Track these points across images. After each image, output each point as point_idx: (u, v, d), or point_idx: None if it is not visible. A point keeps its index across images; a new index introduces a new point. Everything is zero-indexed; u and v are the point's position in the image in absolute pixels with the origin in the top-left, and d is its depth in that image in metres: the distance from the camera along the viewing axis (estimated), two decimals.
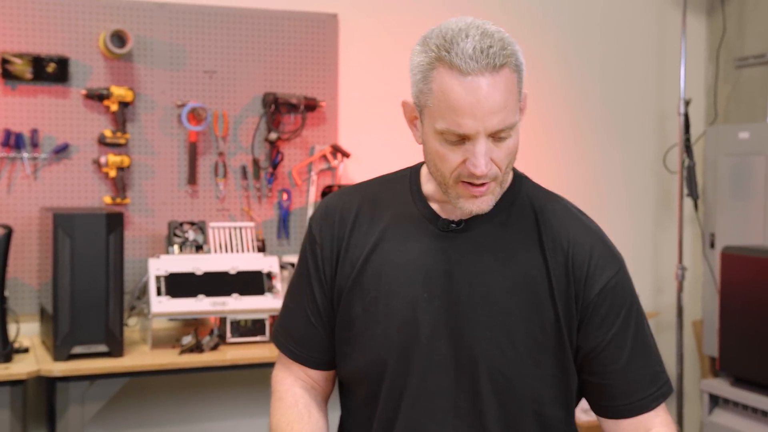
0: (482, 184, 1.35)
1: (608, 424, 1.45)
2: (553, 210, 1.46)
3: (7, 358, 2.84)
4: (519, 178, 1.50)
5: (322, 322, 1.51)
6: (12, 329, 2.93)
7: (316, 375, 1.56)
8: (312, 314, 1.51)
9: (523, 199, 1.47)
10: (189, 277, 3.09)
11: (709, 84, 4.26)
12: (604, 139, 4.14)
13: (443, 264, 1.41)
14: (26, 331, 3.16)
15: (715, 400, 3.63)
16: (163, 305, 3.03)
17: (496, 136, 1.32)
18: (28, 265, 3.27)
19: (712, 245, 3.92)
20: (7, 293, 2.92)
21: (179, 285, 3.07)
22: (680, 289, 3.85)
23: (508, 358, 1.38)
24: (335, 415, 1.62)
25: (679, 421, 3.82)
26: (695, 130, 4.06)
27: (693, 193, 3.85)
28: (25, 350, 2.98)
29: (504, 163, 1.35)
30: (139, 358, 2.97)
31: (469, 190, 1.35)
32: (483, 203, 1.36)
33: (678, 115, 3.88)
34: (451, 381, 1.40)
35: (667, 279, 4.15)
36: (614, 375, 1.41)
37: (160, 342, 3.12)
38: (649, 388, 1.42)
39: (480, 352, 1.38)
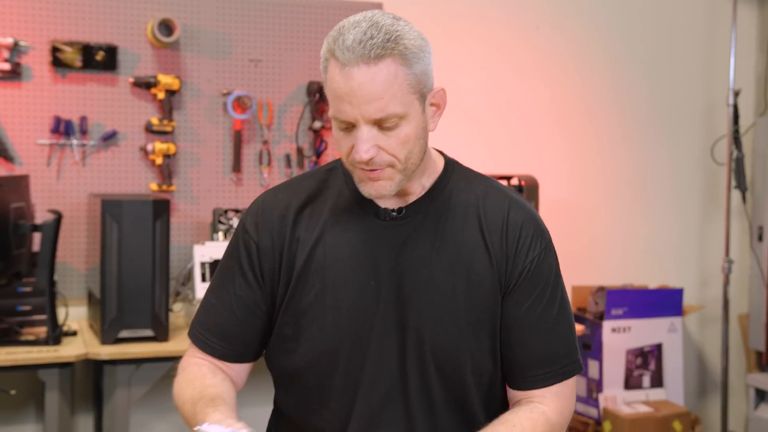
0: (374, 170, 1.40)
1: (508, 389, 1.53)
2: (486, 191, 1.52)
3: (56, 341, 2.90)
4: (450, 164, 1.55)
5: (251, 317, 1.52)
6: (61, 313, 2.99)
7: (231, 369, 1.55)
8: (239, 309, 1.52)
9: (458, 182, 1.52)
10: None
11: (760, 74, 4.19)
12: (651, 130, 4.10)
13: (386, 251, 1.46)
14: (75, 315, 3.22)
15: (762, 395, 3.59)
16: None
17: (381, 125, 1.37)
18: (77, 250, 3.33)
19: (760, 238, 3.87)
20: (56, 277, 2.98)
21: None
22: (727, 283, 3.81)
23: (451, 335, 1.45)
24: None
25: (724, 415, 3.78)
26: (744, 122, 4.01)
27: (741, 186, 3.81)
28: (74, 333, 3.04)
29: (399, 151, 1.39)
30: (184, 343, 2.99)
31: (365, 173, 1.41)
32: (381, 188, 1.41)
33: (727, 106, 3.83)
34: (401, 363, 1.46)
35: (713, 272, 4.11)
36: (518, 349, 1.48)
37: None
38: (544, 366, 1.48)
39: (425, 333, 1.45)
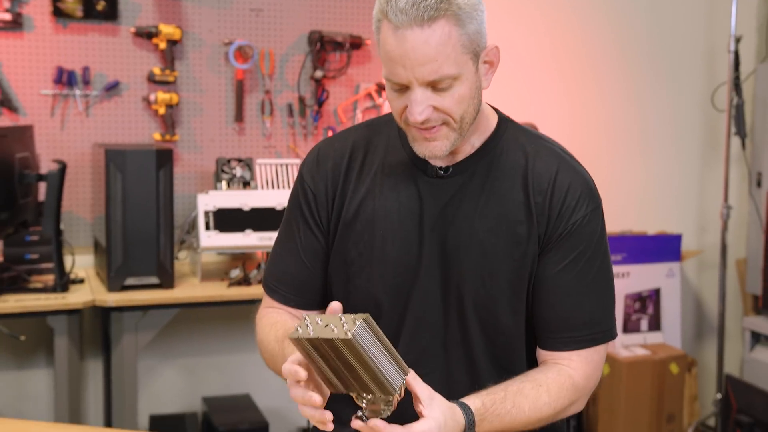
0: (429, 128, 1.39)
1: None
2: (537, 151, 1.50)
3: (64, 288, 2.95)
4: (504, 122, 1.54)
5: (319, 264, 1.54)
6: (68, 261, 3.03)
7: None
8: (307, 258, 1.54)
9: (509, 142, 1.51)
10: (236, 212, 3.17)
11: (761, 20, 4.17)
12: (651, 76, 4.09)
13: (432, 208, 1.47)
14: (81, 263, 3.25)
15: (757, 338, 3.64)
16: (211, 239, 3.11)
17: (435, 87, 1.36)
18: (82, 199, 3.36)
19: (759, 184, 3.88)
20: (62, 226, 3.01)
21: (227, 220, 3.14)
22: (725, 228, 3.84)
23: (491, 294, 1.46)
24: None
25: (720, 357, 3.84)
26: (745, 68, 3.99)
27: (741, 132, 3.81)
28: (81, 281, 3.08)
29: (455, 110, 1.39)
30: (189, 290, 3.06)
31: (420, 133, 1.40)
32: (435, 148, 1.41)
33: (728, 52, 3.82)
34: (442, 317, 1.48)
35: (712, 218, 4.13)
36: (548, 308, 1.46)
37: (209, 275, 3.21)
38: (573, 330, 1.46)
39: (465, 290, 1.46)
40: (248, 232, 3.15)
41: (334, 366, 1.21)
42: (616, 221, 3.97)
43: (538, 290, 1.47)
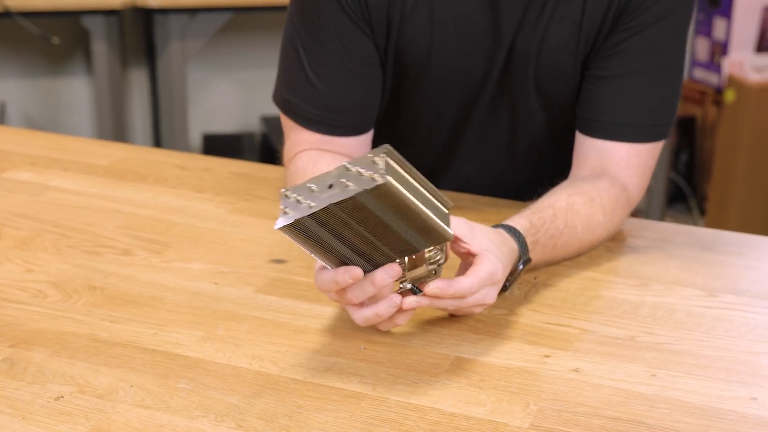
0: None
1: (577, 137, 1.32)
2: None
3: None
4: None
5: (375, 71, 1.28)
6: None
7: (346, 146, 1.30)
8: (358, 66, 1.26)
9: None
10: None
11: None
12: None
13: (504, 16, 1.25)
14: None
15: None
16: None
17: None
18: None
19: None
20: None
21: None
22: None
23: (567, 99, 1.31)
24: None
25: None
26: None
27: None
28: None
29: None
30: None
31: None
32: None
33: None
34: (510, 129, 1.36)
35: None
36: (605, 82, 1.26)
37: None
38: (635, 116, 1.25)
39: (539, 97, 1.31)
40: None
41: (351, 241, 0.91)
42: None
43: (598, 61, 1.25)
